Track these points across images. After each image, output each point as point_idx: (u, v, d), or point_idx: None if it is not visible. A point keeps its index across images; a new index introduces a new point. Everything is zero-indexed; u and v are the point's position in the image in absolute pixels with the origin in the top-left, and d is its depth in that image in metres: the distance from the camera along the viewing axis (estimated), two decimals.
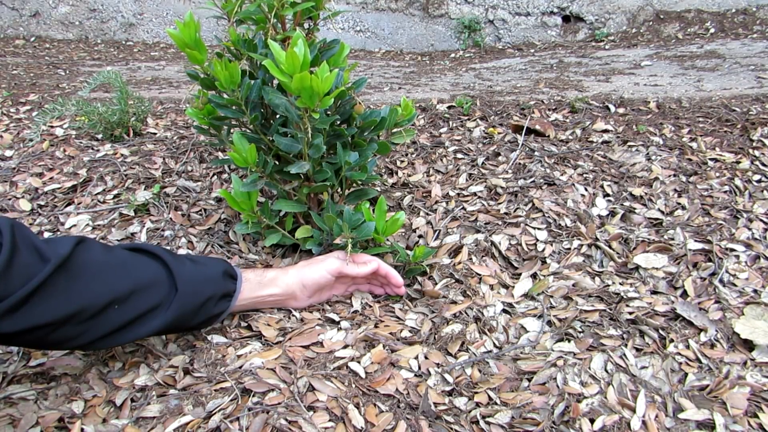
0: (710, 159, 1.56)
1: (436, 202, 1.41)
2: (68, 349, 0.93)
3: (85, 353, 0.95)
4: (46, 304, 0.72)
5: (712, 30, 3.86)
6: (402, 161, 1.62)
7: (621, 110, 1.89)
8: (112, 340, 0.81)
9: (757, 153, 1.57)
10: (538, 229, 1.29)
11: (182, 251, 1.25)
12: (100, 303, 0.77)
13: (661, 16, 4.07)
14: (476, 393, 0.88)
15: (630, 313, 1.04)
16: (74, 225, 1.35)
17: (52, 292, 0.73)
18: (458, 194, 1.44)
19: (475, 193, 1.43)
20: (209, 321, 0.93)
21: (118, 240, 1.29)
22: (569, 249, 1.23)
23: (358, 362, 0.91)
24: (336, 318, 1.03)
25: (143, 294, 0.81)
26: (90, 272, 0.77)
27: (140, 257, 0.86)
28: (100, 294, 0.77)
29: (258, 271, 1.02)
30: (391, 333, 0.99)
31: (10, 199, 1.45)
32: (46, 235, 1.33)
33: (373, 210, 1.08)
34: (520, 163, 1.56)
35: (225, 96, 1.04)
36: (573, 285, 1.13)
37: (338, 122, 1.13)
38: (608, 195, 1.42)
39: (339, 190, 1.19)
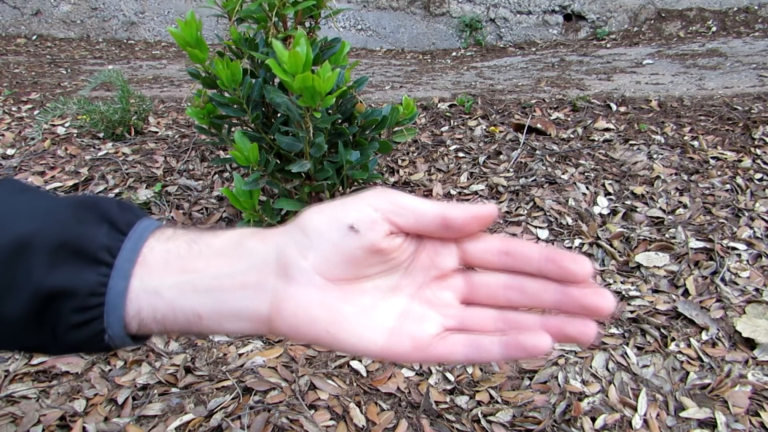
0: (712, 157, 1.55)
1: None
2: None
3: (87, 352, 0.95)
4: None
5: (714, 28, 3.85)
6: (403, 160, 1.62)
7: (622, 109, 1.88)
8: None
9: (758, 151, 1.57)
10: (540, 227, 1.28)
11: None
12: None
13: (663, 15, 4.06)
14: (477, 391, 0.88)
15: (631, 312, 1.04)
16: None
17: None
18: (459, 193, 1.44)
19: (476, 192, 1.43)
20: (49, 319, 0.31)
21: None
22: (571, 248, 1.23)
23: (360, 361, 0.91)
24: None
25: None
26: None
27: None
28: None
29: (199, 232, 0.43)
30: None
31: None
32: None
33: None
34: (521, 162, 1.56)
35: (226, 95, 1.04)
36: None
37: (340, 121, 1.13)
38: (609, 194, 1.41)
39: (340, 188, 1.19)
